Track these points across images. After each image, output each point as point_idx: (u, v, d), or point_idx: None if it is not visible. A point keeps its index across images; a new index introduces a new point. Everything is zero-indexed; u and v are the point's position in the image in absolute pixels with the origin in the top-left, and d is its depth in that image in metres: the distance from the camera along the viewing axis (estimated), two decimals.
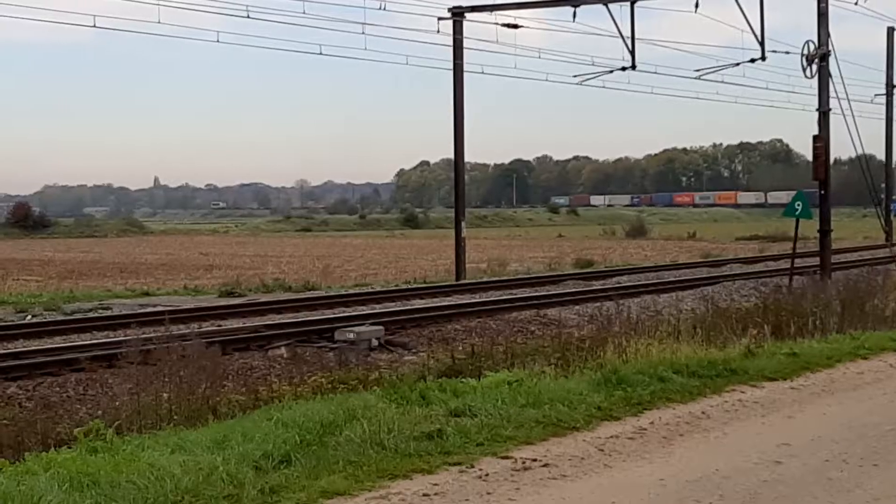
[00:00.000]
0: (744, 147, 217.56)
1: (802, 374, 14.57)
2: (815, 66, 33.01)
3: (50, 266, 52.02)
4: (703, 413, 11.88)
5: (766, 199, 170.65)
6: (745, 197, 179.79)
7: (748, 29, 35.38)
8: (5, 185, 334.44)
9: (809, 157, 34.67)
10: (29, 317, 27.33)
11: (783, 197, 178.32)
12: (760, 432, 11.04)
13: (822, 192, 33.26)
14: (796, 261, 30.40)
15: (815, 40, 32.97)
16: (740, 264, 44.54)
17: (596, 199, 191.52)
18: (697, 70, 38.35)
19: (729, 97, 52.88)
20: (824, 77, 33.09)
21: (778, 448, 10.21)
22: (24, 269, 49.73)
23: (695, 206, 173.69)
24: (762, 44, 35.51)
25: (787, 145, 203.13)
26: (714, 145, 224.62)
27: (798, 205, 29.74)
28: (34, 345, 21.09)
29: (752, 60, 36.54)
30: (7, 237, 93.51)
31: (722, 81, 39.30)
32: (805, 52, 33.06)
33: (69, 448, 9.39)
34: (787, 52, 35.83)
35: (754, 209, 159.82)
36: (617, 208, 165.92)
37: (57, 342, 21.43)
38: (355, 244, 77.83)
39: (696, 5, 35.44)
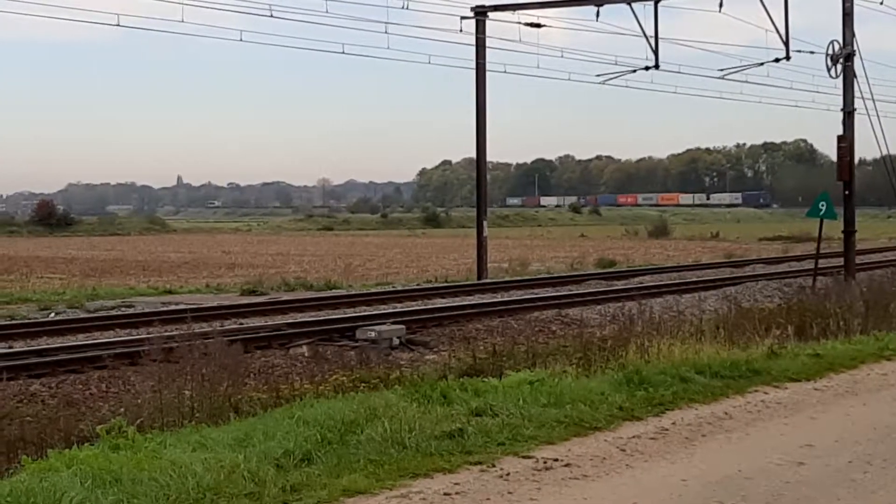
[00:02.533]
0: (767, 147, 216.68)
1: (826, 375, 14.50)
2: (839, 66, 32.86)
3: (73, 264, 52.20)
4: (725, 414, 11.83)
5: (707, 199, 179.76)
6: (686, 198, 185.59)
7: (773, 28, 35.25)
8: (29, 183, 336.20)
9: (834, 158, 34.52)
10: (52, 314, 27.44)
11: (726, 198, 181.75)
12: (783, 433, 10.99)
13: (847, 192, 33.10)
14: (820, 261, 30.27)
15: (840, 40, 32.83)
16: (763, 265, 44.39)
17: (546, 200, 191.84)
18: (721, 70, 38.21)
19: (753, 97, 52.59)
20: (849, 77, 32.94)
21: (801, 449, 10.17)
22: (47, 266, 49.93)
23: (637, 206, 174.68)
24: (787, 43, 35.37)
25: (812, 145, 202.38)
26: (738, 145, 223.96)
27: (822, 205, 29.59)
28: (57, 342, 21.18)
29: (777, 60, 36.36)
30: (31, 235, 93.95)
31: (746, 81, 39.08)
32: (830, 51, 32.92)
33: (92, 445, 9.40)
34: (812, 52, 35.68)
35: (697, 209, 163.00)
36: (562, 210, 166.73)
37: (80, 339, 21.51)
38: (377, 243, 77.84)
39: (721, 4, 35.30)
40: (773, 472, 9.33)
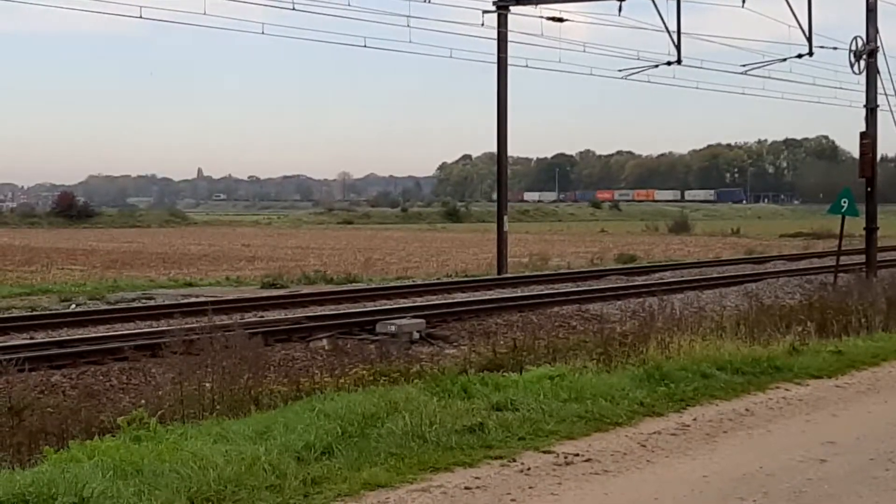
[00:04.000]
0: (789, 143, 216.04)
1: (847, 373, 14.47)
2: (862, 62, 32.71)
3: (94, 255, 52.35)
4: (746, 410, 11.80)
5: (682, 196, 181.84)
6: (662, 194, 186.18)
7: (796, 24, 35.13)
8: (50, 175, 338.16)
9: (856, 155, 34.40)
10: (73, 306, 27.53)
11: (700, 195, 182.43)
12: (805, 430, 10.96)
13: (869, 189, 32.96)
14: (842, 258, 30.16)
15: (864, 36, 32.67)
16: (784, 261, 44.22)
17: (530, 195, 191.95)
18: (744, 65, 38.03)
19: (775, 93, 52.35)
20: (872, 73, 32.79)
21: (822, 446, 10.14)
22: (68, 258, 50.07)
23: (614, 201, 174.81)
24: (810, 39, 35.25)
25: (833, 142, 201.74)
26: (759, 141, 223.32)
27: (844, 202, 29.46)
28: (78, 333, 21.23)
29: (800, 56, 36.21)
30: (52, 226, 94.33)
31: (769, 77, 38.92)
32: (853, 47, 32.77)
33: (113, 436, 9.43)
34: (835, 48, 35.54)
35: (671, 203, 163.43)
36: (543, 203, 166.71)
37: (100, 331, 21.56)
38: (397, 237, 77.85)
39: (744, 0, 35.18)
40: (794, 468, 9.31)
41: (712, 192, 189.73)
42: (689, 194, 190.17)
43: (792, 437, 10.61)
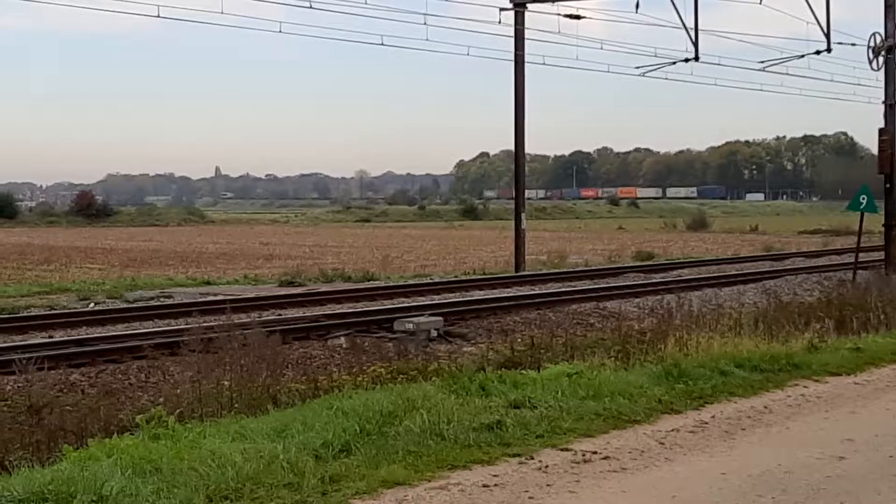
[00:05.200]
0: (808, 140, 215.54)
1: (866, 370, 14.42)
2: (881, 58, 32.63)
3: (112, 254, 52.50)
4: (765, 407, 11.77)
5: (664, 194, 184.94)
6: (645, 192, 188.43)
7: (814, 20, 35.06)
8: (69, 174, 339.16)
9: (874, 151, 34.25)
10: (91, 304, 27.61)
11: (682, 192, 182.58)
12: (823, 427, 10.93)
13: (888, 185, 32.86)
14: (860, 255, 30.09)
15: (882, 32, 32.58)
16: (803, 258, 44.15)
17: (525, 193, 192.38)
18: (762, 62, 37.99)
19: (793, 89, 52.23)
20: (891, 69, 32.69)
21: (841, 443, 10.10)
22: (86, 257, 50.23)
23: (598, 198, 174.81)
24: (828, 35, 35.16)
25: (852, 138, 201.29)
26: (777, 138, 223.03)
27: (863, 199, 29.37)
28: (97, 332, 21.31)
29: (818, 52, 36.14)
30: (70, 225, 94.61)
31: (787, 73, 38.81)
32: (871, 43, 32.69)
33: (131, 434, 9.46)
34: (854, 45, 35.48)
35: (653, 201, 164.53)
36: (535, 200, 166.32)
37: (119, 329, 21.64)
38: (414, 235, 77.86)
39: None
40: (813, 466, 9.28)
41: (693, 189, 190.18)
42: (670, 191, 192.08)
43: (811, 434, 10.57)
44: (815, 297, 23.99)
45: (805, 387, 13.09)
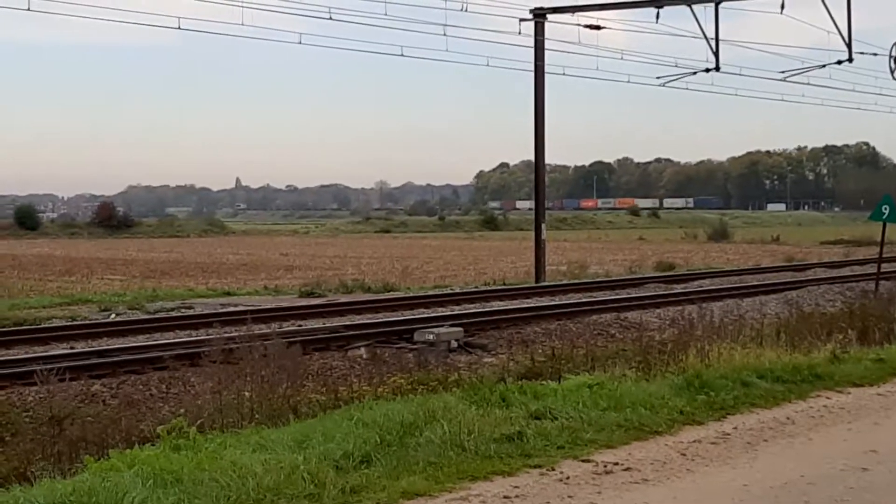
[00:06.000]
0: (829, 150, 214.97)
1: (889, 381, 14.35)
2: None
3: (133, 265, 52.68)
4: (787, 418, 11.72)
5: (660, 204, 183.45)
6: (643, 202, 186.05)
7: (835, 30, 34.93)
8: (90, 185, 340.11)
9: None
10: (113, 315, 27.68)
11: (678, 202, 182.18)
12: (846, 439, 10.87)
13: None
14: (883, 265, 29.95)
15: None
16: (825, 268, 43.94)
17: (521, 204, 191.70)
18: (783, 72, 37.96)
19: (814, 99, 52.10)
20: None
21: (865, 455, 10.04)
22: (108, 268, 50.41)
23: (598, 209, 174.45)
24: (849, 45, 35.03)
25: (874, 148, 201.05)
26: (799, 148, 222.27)
27: (885, 209, 29.23)
28: (118, 343, 21.35)
29: (839, 62, 36.02)
30: (91, 237, 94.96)
31: (808, 83, 38.79)
32: (893, 53, 32.61)
33: (152, 445, 9.47)
34: (875, 54, 35.36)
35: (645, 211, 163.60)
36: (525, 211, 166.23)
37: (140, 341, 21.67)
38: (434, 245, 77.89)
39: (782, 6, 34.97)
40: (836, 477, 9.23)
41: (691, 199, 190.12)
42: (667, 202, 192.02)
43: (833, 445, 10.52)
44: (837, 307, 23.88)
45: (828, 398, 13.03)
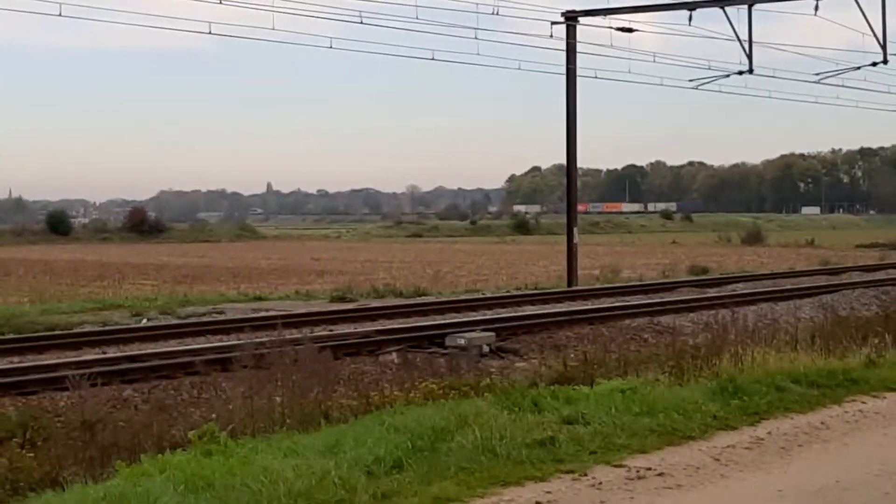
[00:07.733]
0: (864, 152, 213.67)
1: None
2: None
3: (165, 270, 52.84)
4: (822, 423, 11.62)
5: (645, 208, 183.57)
6: (630, 206, 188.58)
7: (869, 32, 34.71)
8: (122, 190, 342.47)
9: None
10: (144, 320, 27.78)
11: (673, 206, 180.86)
12: (882, 444, 10.77)
13: None
14: None
15: None
16: (860, 272, 43.65)
17: (529, 207, 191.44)
18: (817, 74, 37.73)
19: (849, 101, 51.78)
20: None
21: None
22: (139, 273, 50.61)
23: (587, 213, 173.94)
24: (884, 47, 34.84)
25: None
26: (833, 150, 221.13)
27: None
28: (149, 348, 21.39)
29: (874, 64, 35.80)
30: (123, 242, 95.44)
31: (842, 85, 38.53)
32: None
33: (184, 450, 9.48)
34: None
35: (635, 215, 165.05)
36: (527, 214, 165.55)
37: (172, 345, 21.71)
38: (466, 250, 77.84)
39: (816, 8, 34.76)
40: (871, 483, 9.14)
41: (674, 204, 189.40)
42: (650, 206, 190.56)
43: (869, 450, 10.42)
44: (872, 311, 23.74)
45: (863, 402, 12.92)
